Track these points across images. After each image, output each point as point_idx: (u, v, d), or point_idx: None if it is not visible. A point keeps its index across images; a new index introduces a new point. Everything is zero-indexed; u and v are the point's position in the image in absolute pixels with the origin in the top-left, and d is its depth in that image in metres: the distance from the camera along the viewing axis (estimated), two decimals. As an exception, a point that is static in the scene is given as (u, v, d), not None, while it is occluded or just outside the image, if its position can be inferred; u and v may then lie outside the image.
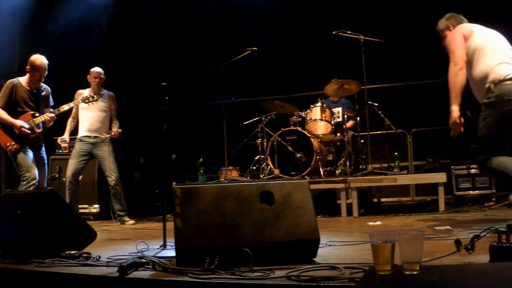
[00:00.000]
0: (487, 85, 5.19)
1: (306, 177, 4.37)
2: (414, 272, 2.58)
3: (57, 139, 8.41)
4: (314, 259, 3.69)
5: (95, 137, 8.25)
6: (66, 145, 8.31)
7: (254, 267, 3.31)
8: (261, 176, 8.93)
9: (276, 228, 3.61)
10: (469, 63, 5.36)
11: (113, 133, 8.26)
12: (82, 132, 8.32)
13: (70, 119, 8.35)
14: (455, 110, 5.20)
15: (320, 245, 3.77)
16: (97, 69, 8.43)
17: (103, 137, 8.30)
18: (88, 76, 8.41)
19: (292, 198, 3.71)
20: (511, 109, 5.05)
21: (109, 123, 8.43)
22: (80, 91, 8.40)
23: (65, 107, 7.78)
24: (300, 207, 3.69)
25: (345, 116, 8.87)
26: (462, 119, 5.23)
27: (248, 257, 3.35)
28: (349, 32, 8.60)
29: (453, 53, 5.35)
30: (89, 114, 8.31)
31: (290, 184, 3.79)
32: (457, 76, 5.23)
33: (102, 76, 8.44)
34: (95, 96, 7.90)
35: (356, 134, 9.18)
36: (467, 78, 5.35)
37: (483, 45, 5.34)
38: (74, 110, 8.26)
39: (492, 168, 5.21)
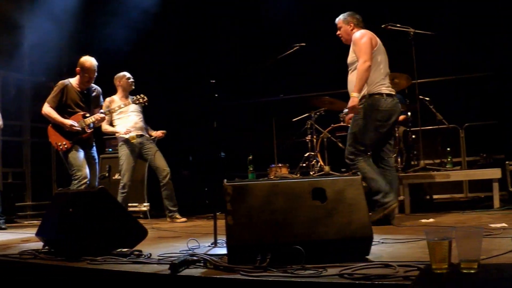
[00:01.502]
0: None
1: (358, 173, 4.30)
2: (472, 271, 2.51)
3: (117, 134, 8.41)
4: (367, 257, 3.62)
5: (141, 136, 8.32)
6: (133, 134, 8.32)
7: (306, 265, 3.26)
8: (311, 173, 8.88)
9: (328, 226, 3.56)
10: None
11: (158, 134, 8.35)
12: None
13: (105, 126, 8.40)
14: (356, 96, 6.07)
15: (373, 243, 3.69)
16: (126, 73, 8.58)
17: (147, 135, 8.37)
18: (118, 81, 8.47)
19: (345, 194, 3.65)
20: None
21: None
22: (109, 98, 8.45)
23: (116, 108, 7.85)
24: (352, 204, 3.63)
25: (396, 111, 8.76)
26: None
27: (299, 254, 3.32)
28: (398, 25, 8.46)
29: (365, 53, 6.14)
30: (129, 116, 8.37)
31: (342, 181, 3.73)
32: (367, 72, 6.08)
33: (128, 78, 8.54)
34: (144, 96, 7.98)
35: (407, 129, 9.02)
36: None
37: (380, 60, 6.37)
38: (107, 117, 8.24)
39: None
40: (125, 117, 8.41)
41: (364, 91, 6.22)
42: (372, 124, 6.23)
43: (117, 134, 8.38)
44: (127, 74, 8.55)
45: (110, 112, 7.71)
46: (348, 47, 6.54)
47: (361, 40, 6.26)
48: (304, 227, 3.54)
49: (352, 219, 3.59)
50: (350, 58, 6.47)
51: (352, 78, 6.34)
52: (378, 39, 6.44)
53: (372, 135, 6.27)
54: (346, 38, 6.67)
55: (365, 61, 6.11)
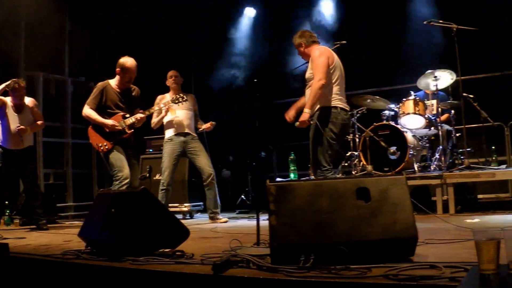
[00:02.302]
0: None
1: (403, 172, 4.23)
2: (521, 272, 2.44)
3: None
4: (412, 257, 3.55)
5: (187, 134, 8.34)
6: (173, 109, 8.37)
7: (350, 265, 3.20)
8: (353, 172, 8.81)
9: (372, 226, 3.50)
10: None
11: (207, 126, 8.34)
12: (171, 131, 8.42)
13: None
14: (308, 112, 6.48)
15: (417, 243, 3.62)
16: (173, 71, 8.55)
17: (194, 134, 8.37)
18: (167, 80, 8.52)
19: (389, 194, 3.58)
20: None
21: (195, 122, 8.51)
22: (160, 96, 8.50)
23: (155, 108, 7.88)
24: (397, 204, 3.56)
25: (439, 109, 8.63)
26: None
27: (343, 255, 3.27)
28: (441, 21, 8.33)
29: (321, 72, 6.46)
30: (177, 113, 8.39)
31: (386, 180, 3.67)
32: (320, 90, 6.42)
33: (180, 77, 8.53)
34: (184, 96, 7.96)
35: (451, 127, 8.88)
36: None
37: (336, 77, 6.69)
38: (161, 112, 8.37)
39: None
40: (172, 115, 8.44)
41: (317, 106, 6.62)
42: (328, 135, 6.53)
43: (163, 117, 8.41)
44: (171, 73, 8.57)
45: (149, 112, 7.72)
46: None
47: (319, 59, 6.59)
48: (348, 227, 3.50)
49: (396, 219, 3.53)
50: (308, 74, 6.79)
51: (308, 93, 6.72)
52: (335, 56, 6.82)
53: (330, 146, 6.57)
54: (304, 57, 7.11)
55: (320, 79, 6.44)
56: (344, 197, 3.57)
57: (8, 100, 8.39)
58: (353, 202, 3.56)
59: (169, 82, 8.59)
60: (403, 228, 3.51)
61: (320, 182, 3.71)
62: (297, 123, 6.66)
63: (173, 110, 8.32)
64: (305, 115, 6.49)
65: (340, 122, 6.56)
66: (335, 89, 6.63)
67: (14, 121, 8.32)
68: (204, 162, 8.28)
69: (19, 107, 8.42)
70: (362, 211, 3.53)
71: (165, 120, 8.53)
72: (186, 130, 8.42)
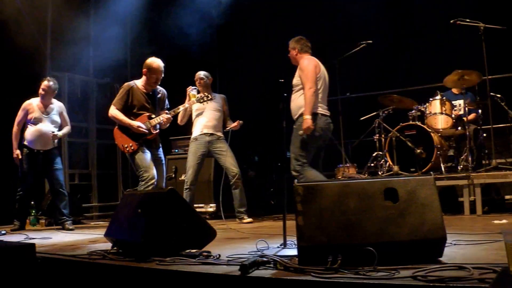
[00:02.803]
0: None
1: (431, 173, 4.20)
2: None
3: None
4: (440, 258, 3.52)
5: (211, 134, 8.36)
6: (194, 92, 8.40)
7: (378, 266, 3.19)
8: (379, 173, 8.76)
9: (400, 226, 3.48)
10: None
11: (234, 125, 8.34)
12: (197, 131, 8.46)
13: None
14: (309, 117, 6.89)
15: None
16: (200, 73, 8.55)
17: (219, 134, 8.37)
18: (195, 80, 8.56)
19: (417, 195, 3.56)
20: None
21: (223, 123, 8.52)
22: (191, 87, 8.53)
23: (180, 108, 7.88)
24: (425, 204, 3.54)
25: (466, 108, 8.57)
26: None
27: (371, 256, 3.24)
28: (467, 20, 8.26)
29: (311, 81, 7.01)
30: (204, 113, 8.41)
31: (414, 181, 3.64)
32: (313, 96, 6.96)
33: (206, 79, 8.57)
34: (209, 95, 7.95)
35: (478, 127, 8.79)
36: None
37: (320, 86, 7.18)
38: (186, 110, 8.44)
39: None
40: (200, 114, 8.52)
41: (301, 110, 7.09)
42: (308, 138, 7.00)
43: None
44: (198, 74, 8.59)
45: (175, 113, 7.72)
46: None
47: (308, 68, 7.12)
48: (376, 228, 3.48)
49: (425, 220, 3.50)
50: (295, 80, 7.30)
51: (295, 98, 7.29)
52: (321, 66, 7.33)
53: (309, 148, 7.08)
54: (292, 60, 7.59)
55: (311, 87, 6.99)
56: (372, 197, 3.56)
57: (35, 101, 8.45)
58: (381, 203, 3.54)
59: (197, 83, 8.60)
60: (432, 229, 3.48)
61: (347, 183, 3.68)
62: (301, 132, 6.98)
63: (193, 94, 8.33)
64: (308, 121, 6.90)
65: (319, 126, 7.04)
66: (319, 96, 7.15)
67: (42, 123, 8.39)
68: (229, 162, 8.28)
69: (47, 108, 8.48)
70: (390, 212, 3.51)
71: (194, 119, 8.60)
72: (211, 131, 8.43)
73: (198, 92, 8.39)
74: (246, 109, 10.13)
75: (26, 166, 8.37)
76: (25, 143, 8.43)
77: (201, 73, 8.63)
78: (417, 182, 3.63)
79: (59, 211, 8.45)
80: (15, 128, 8.48)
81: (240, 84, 11.52)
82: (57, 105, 8.64)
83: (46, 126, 8.41)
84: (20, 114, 8.49)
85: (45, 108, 8.48)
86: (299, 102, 7.19)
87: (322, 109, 7.15)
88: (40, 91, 8.41)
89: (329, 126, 7.22)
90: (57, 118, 8.58)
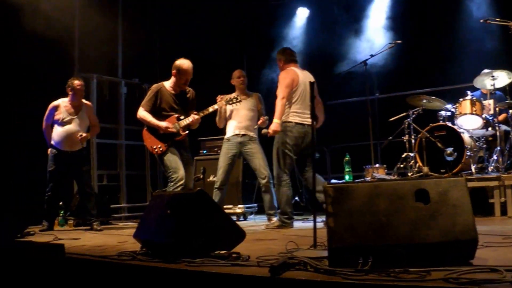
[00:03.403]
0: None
1: (462, 174, 4.16)
2: None
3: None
4: (471, 261, 3.47)
5: (243, 135, 8.33)
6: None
7: (409, 268, 3.15)
8: (409, 174, 8.68)
9: (431, 228, 3.45)
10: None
11: (260, 122, 8.31)
12: (230, 132, 8.45)
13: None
14: (278, 122, 7.42)
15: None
16: (239, 70, 8.52)
17: (251, 135, 8.33)
18: (232, 79, 8.51)
19: (448, 196, 3.53)
20: None
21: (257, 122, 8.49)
22: (220, 96, 8.51)
23: (209, 109, 7.87)
24: (457, 206, 3.50)
25: (497, 109, 8.46)
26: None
27: (401, 258, 3.21)
28: (497, 19, 8.16)
29: (283, 92, 7.49)
30: (237, 113, 8.39)
31: (446, 182, 3.61)
32: (283, 106, 7.45)
33: (245, 78, 8.52)
34: (238, 97, 7.93)
35: (509, 128, 8.69)
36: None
37: (297, 97, 7.62)
38: (221, 113, 8.44)
39: None
40: (233, 115, 8.49)
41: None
42: (283, 145, 7.51)
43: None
44: (238, 73, 8.57)
45: (204, 114, 7.72)
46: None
47: (284, 81, 7.57)
48: (407, 229, 3.46)
49: (456, 221, 3.47)
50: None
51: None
52: (300, 78, 7.66)
53: (287, 156, 7.53)
54: (280, 70, 7.96)
55: (282, 97, 7.47)
56: (403, 198, 3.53)
57: (63, 101, 8.50)
58: (412, 204, 3.52)
59: (236, 82, 8.55)
60: (463, 231, 3.45)
61: (378, 184, 3.68)
62: (269, 131, 7.50)
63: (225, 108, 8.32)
64: (276, 125, 7.41)
65: (294, 135, 7.50)
66: (295, 107, 7.58)
67: (70, 124, 8.44)
68: (259, 163, 8.21)
69: (76, 109, 8.53)
70: (421, 213, 3.49)
71: (228, 119, 8.58)
72: (243, 131, 8.37)
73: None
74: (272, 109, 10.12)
75: (54, 166, 8.42)
76: (53, 143, 8.48)
77: (237, 72, 8.62)
78: (448, 184, 3.59)
79: (87, 212, 8.48)
80: (44, 125, 8.55)
81: (265, 83, 11.50)
82: (86, 105, 8.68)
83: (74, 127, 8.44)
84: (47, 113, 8.53)
85: (74, 109, 8.52)
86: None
87: (299, 118, 7.57)
88: (71, 90, 8.45)
89: (305, 135, 7.55)
90: (85, 119, 8.61)
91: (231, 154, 8.35)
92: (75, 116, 8.49)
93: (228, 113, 8.52)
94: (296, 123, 7.53)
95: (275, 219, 7.93)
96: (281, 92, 7.52)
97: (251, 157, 8.30)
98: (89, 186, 8.66)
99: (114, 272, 4.36)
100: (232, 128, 8.43)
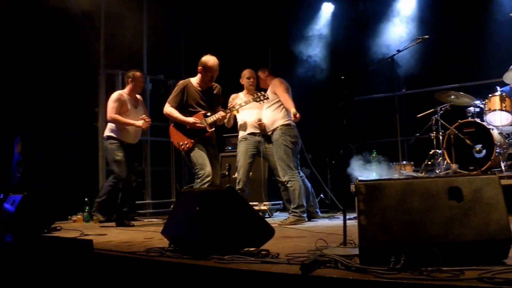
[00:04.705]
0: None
1: (495, 172, 4.10)
2: None
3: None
4: (505, 260, 3.43)
5: (258, 134, 8.27)
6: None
7: (442, 267, 3.11)
8: (437, 171, 8.59)
9: (465, 226, 3.41)
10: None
11: (260, 122, 8.29)
12: (247, 130, 8.36)
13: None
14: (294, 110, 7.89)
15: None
16: (249, 70, 8.50)
17: (269, 132, 8.29)
18: (241, 78, 8.48)
19: (482, 194, 3.49)
20: None
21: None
22: (234, 95, 8.48)
23: (236, 106, 7.84)
24: (490, 204, 3.47)
25: (527, 105, 8.35)
26: None
27: (434, 256, 3.19)
28: (527, 13, 8.07)
29: (288, 100, 8.05)
30: (252, 112, 8.34)
31: (479, 180, 3.57)
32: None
33: (254, 77, 8.52)
34: (266, 94, 7.91)
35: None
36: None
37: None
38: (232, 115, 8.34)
39: None
40: (246, 114, 8.42)
41: (277, 124, 8.15)
42: (291, 144, 8.03)
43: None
44: (248, 73, 8.53)
45: (231, 111, 7.71)
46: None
47: (283, 84, 8.22)
48: (440, 228, 3.42)
49: (490, 220, 3.44)
50: (270, 96, 8.13)
51: (268, 113, 8.27)
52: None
53: (295, 154, 8.14)
54: (261, 82, 8.61)
55: (288, 97, 8.11)
56: (436, 196, 3.49)
57: (124, 93, 8.58)
58: (445, 202, 3.48)
59: (246, 82, 8.53)
60: (497, 230, 3.41)
61: (411, 181, 3.63)
62: (296, 116, 7.82)
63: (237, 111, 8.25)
64: (295, 112, 7.83)
65: (295, 135, 8.13)
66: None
67: (132, 116, 8.49)
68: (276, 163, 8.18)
69: (136, 102, 8.63)
70: (455, 211, 3.45)
71: (239, 120, 8.53)
72: (257, 131, 8.34)
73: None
74: (301, 107, 10.09)
75: (121, 155, 8.39)
76: (113, 135, 8.48)
77: (248, 73, 8.59)
78: (482, 181, 3.55)
79: (121, 206, 8.41)
80: (115, 117, 8.39)
81: (295, 81, 11.47)
82: (140, 98, 8.76)
83: (136, 119, 8.47)
84: (115, 105, 8.41)
85: (135, 101, 8.60)
86: (273, 116, 8.17)
87: (292, 122, 8.12)
88: (132, 81, 8.52)
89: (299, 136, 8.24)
90: (142, 111, 8.65)
91: (250, 153, 8.33)
92: (136, 108, 8.57)
93: (243, 113, 8.41)
94: (294, 126, 8.16)
95: (291, 216, 7.85)
96: (284, 94, 8.13)
97: (269, 157, 8.28)
98: (135, 180, 8.77)
99: (143, 268, 4.37)
100: (249, 127, 8.42)
